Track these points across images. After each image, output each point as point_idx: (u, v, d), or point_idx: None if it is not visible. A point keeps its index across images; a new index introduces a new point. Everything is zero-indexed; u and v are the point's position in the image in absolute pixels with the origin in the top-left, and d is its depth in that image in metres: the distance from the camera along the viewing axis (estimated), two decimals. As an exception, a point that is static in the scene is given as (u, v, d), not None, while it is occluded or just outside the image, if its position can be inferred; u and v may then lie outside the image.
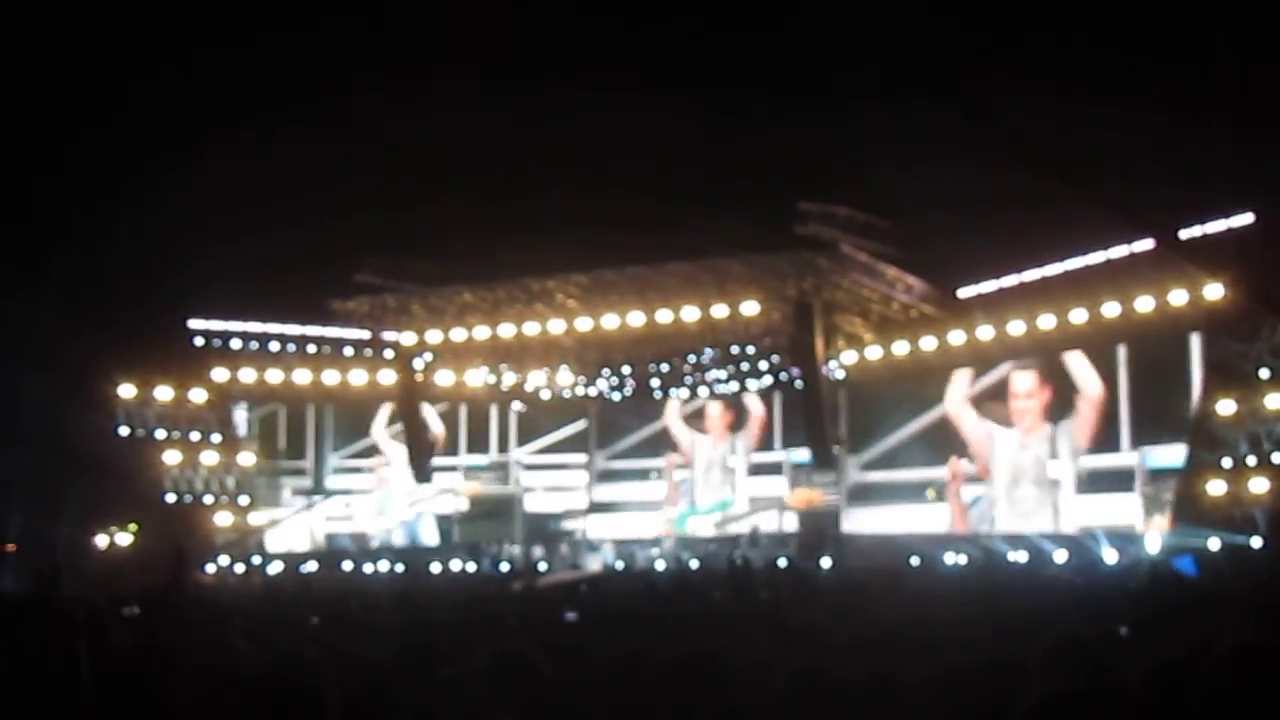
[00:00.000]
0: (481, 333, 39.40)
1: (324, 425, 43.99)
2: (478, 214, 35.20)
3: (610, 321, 37.50)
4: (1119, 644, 6.77)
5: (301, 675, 5.01)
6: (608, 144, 35.52)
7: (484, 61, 34.94)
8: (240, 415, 42.37)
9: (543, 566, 38.92)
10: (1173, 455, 32.18)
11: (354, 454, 44.14)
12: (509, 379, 43.51)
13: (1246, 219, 28.41)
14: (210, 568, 39.02)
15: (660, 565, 37.17)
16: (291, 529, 42.92)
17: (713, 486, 42.51)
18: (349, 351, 42.15)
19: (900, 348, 37.14)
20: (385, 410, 43.16)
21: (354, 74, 34.61)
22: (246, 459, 41.56)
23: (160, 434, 39.90)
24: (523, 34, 34.55)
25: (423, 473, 41.77)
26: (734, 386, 41.64)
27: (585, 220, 34.64)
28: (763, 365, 40.53)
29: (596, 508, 43.75)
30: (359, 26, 34.01)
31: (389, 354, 41.61)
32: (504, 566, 39.25)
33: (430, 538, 43.10)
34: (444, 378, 42.63)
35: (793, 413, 40.32)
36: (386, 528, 43.17)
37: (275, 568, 39.83)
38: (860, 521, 39.11)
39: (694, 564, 37.03)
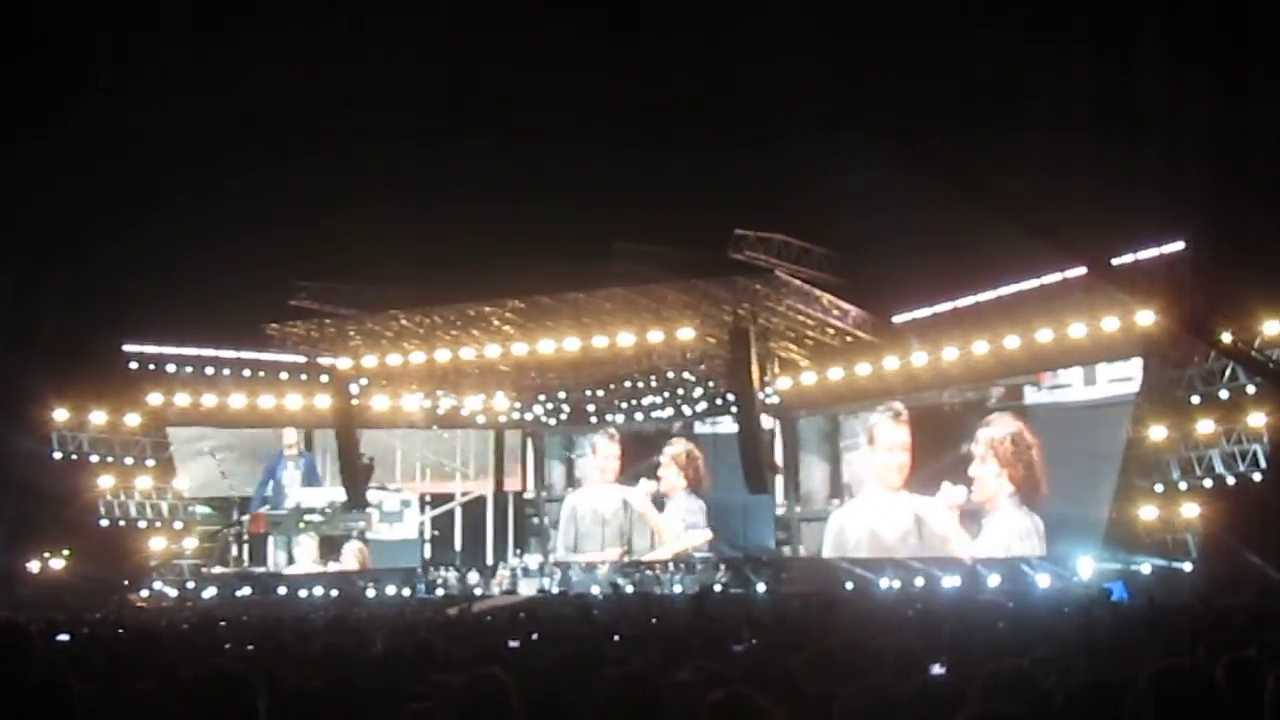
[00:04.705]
0: (418, 358, 39.32)
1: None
2: (412, 235, 35.04)
3: (546, 347, 37.51)
4: (1049, 667, 6.84)
5: (234, 691, 4.97)
6: (542, 166, 35.63)
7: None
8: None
9: (478, 591, 38.79)
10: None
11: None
12: (446, 404, 43.47)
13: (1178, 246, 28.70)
14: (144, 592, 38.68)
15: (595, 590, 37.11)
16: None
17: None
18: (285, 376, 41.92)
19: (835, 373, 37.28)
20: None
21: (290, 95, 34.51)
22: (181, 484, 41.23)
23: (94, 458, 39.56)
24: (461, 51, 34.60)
25: (359, 499, 41.49)
26: (669, 412, 41.70)
27: (521, 245, 34.62)
28: (698, 391, 40.64)
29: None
30: (289, 41, 33.89)
31: (325, 379, 41.39)
32: (439, 591, 39.11)
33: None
34: (380, 403, 42.50)
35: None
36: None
37: (210, 592, 39.40)
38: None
39: (629, 589, 36.98)
